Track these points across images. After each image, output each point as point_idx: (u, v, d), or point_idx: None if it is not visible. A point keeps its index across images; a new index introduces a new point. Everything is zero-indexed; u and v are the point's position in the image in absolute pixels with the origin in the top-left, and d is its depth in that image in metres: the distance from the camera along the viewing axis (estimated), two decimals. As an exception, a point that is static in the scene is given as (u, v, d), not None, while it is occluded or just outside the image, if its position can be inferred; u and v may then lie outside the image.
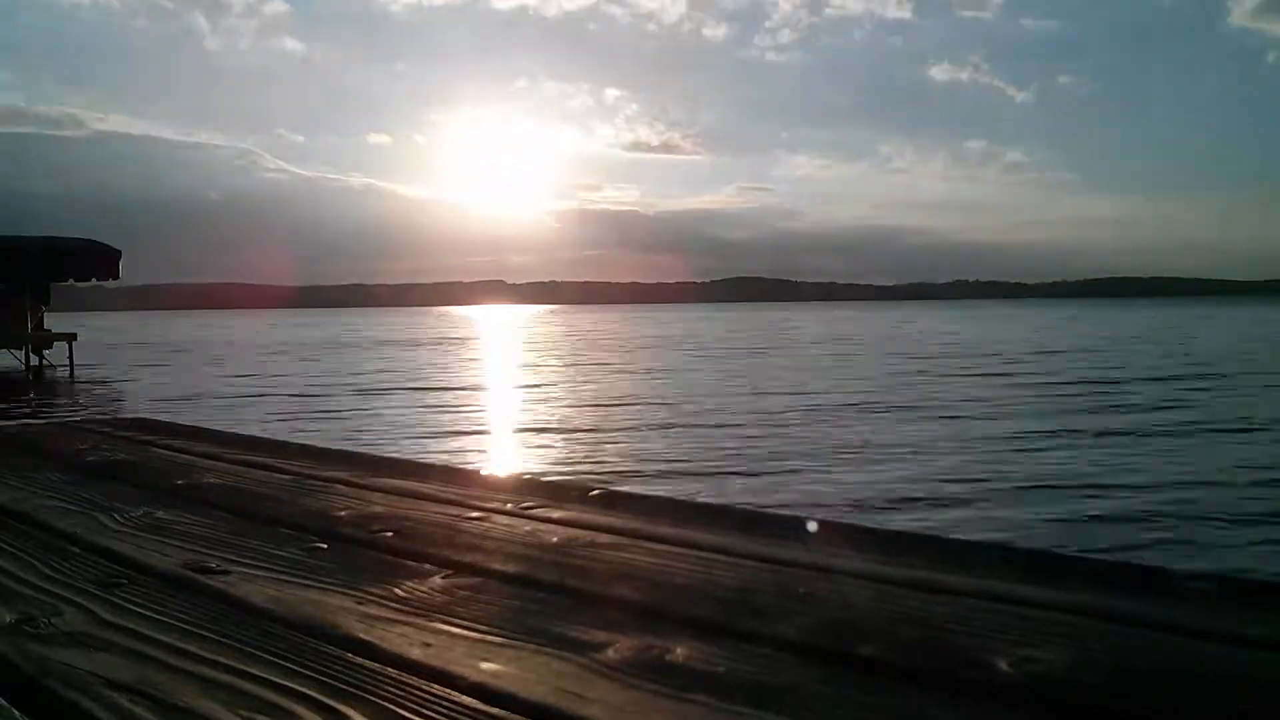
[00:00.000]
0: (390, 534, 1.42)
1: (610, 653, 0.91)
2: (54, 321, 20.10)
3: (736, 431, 9.61)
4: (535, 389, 15.47)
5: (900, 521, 5.47)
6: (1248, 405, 11.47)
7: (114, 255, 20.10)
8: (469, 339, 38.03)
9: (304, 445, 2.46)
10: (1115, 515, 5.68)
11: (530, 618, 1.03)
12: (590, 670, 0.87)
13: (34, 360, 19.24)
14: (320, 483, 1.87)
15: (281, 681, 0.86)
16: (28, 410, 13.10)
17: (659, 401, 12.85)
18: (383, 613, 1.05)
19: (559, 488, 1.84)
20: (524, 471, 7.00)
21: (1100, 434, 9.04)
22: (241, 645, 0.95)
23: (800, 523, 1.49)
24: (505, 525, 1.47)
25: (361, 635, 0.98)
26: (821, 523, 1.47)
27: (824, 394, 13.46)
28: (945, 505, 6.02)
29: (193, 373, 19.47)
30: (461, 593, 1.13)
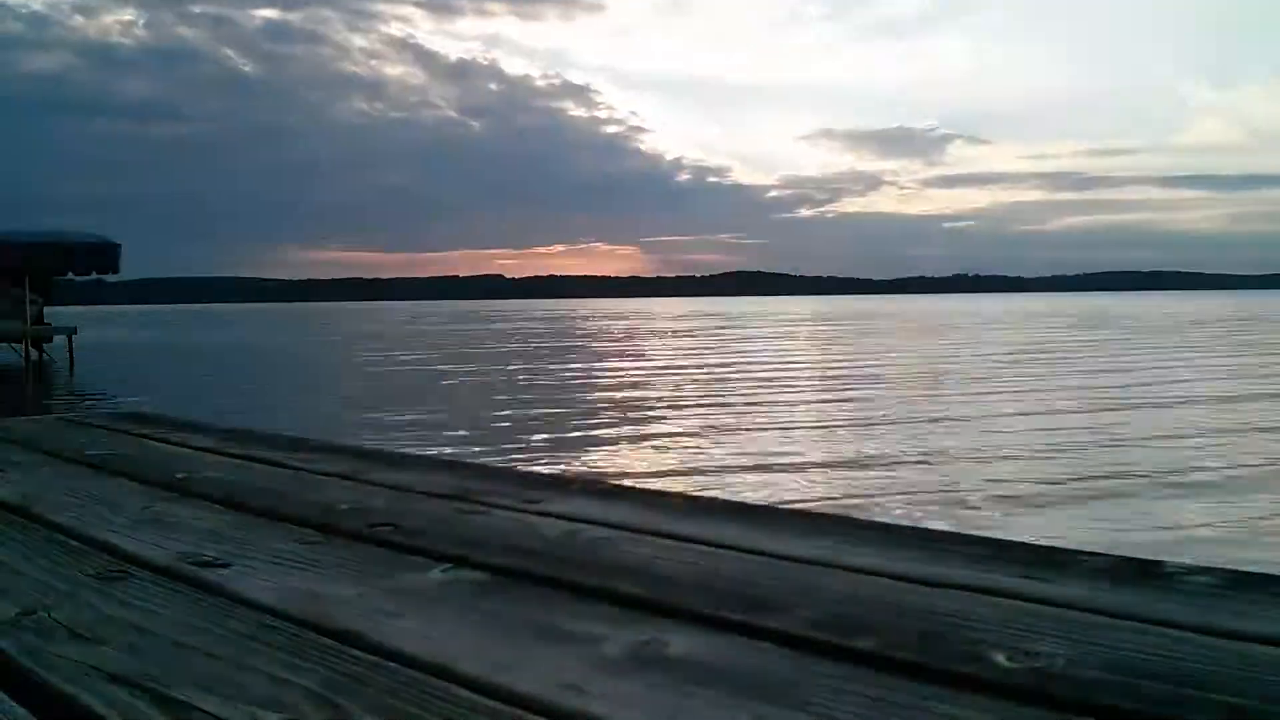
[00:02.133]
0: (390, 527, 1.42)
1: (610, 646, 0.91)
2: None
3: None
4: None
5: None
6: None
7: (114, 249, 20.10)
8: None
9: (304, 439, 2.46)
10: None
11: (530, 611, 1.03)
12: (590, 663, 0.87)
13: (34, 355, 19.26)
14: (320, 476, 1.88)
15: (281, 674, 0.86)
16: (28, 404, 13.11)
17: None
18: (382, 606, 1.05)
19: (560, 481, 1.84)
20: (524, 465, 6.99)
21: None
22: (241, 638, 0.95)
23: (800, 516, 1.49)
24: (506, 519, 1.47)
25: (361, 629, 0.98)
26: (821, 516, 1.47)
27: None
28: None
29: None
30: (461, 586, 1.13)
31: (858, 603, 1.02)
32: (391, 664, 0.88)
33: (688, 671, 0.85)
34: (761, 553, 1.23)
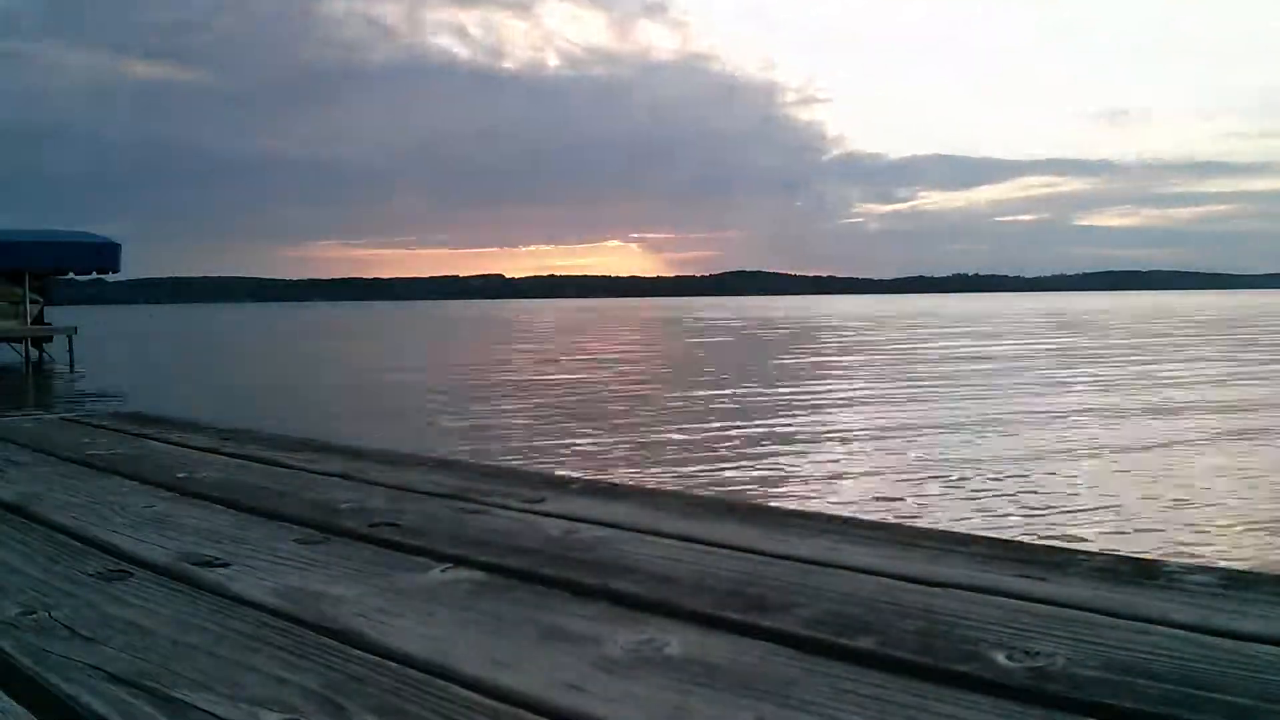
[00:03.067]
0: (390, 526, 1.42)
1: (610, 645, 0.91)
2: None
3: None
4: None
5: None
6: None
7: (114, 248, 20.12)
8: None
9: (304, 439, 2.46)
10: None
11: (530, 610, 1.03)
12: (589, 663, 0.87)
13: (34, 355, 19.28)
14: (321, 475, 1.88)
15: (281, 674, 0.86)
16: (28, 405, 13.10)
17: None
18: (382, 606, 1.05)
19: (560, 480, 1.84)
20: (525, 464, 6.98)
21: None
22: (241, 638, 0.95)
23: (799, 516, 1.49)
24: (506, 518, 1.47)
25: (361, 628, 0.98)
26: (821, 516, 1.48)
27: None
28: None
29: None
30: (461, 586, 1.13)
31: (857, 602, 1.02)
32: (391, 664, 0.88)
33: (687, 671, 0.85)
34: (761, 552, 1.23)
